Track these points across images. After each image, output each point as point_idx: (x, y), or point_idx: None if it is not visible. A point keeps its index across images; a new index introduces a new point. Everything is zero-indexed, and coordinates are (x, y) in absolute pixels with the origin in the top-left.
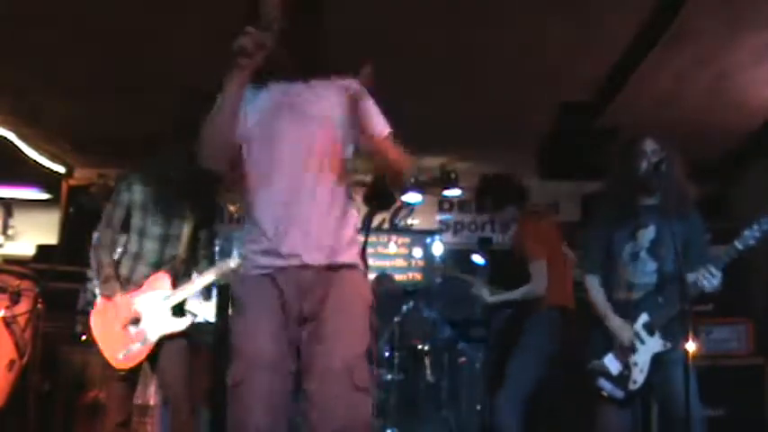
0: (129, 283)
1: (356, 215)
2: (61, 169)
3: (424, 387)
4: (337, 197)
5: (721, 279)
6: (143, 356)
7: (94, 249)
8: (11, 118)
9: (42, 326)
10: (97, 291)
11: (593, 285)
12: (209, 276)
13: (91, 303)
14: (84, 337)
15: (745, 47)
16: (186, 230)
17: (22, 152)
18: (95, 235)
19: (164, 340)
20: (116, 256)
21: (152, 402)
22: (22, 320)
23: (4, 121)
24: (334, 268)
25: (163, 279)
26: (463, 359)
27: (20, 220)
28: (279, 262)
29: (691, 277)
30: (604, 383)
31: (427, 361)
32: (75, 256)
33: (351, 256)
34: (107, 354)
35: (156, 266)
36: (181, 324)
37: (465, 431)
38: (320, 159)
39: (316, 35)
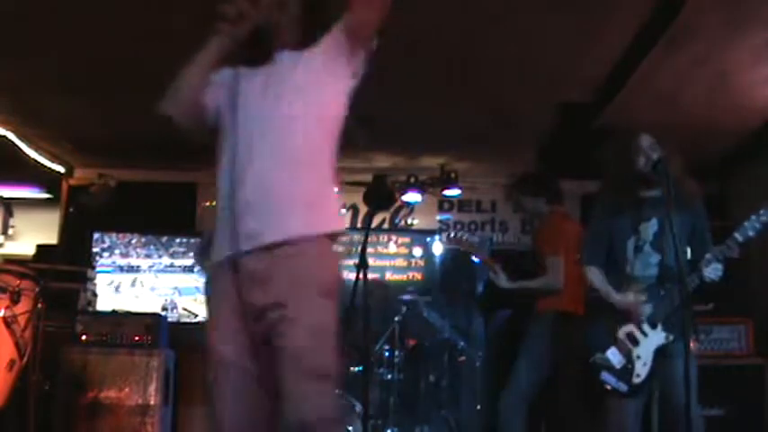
0: None
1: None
2: (61, 169)
3: (424, 387)
4: (305, 164)
5: (722, 270)
6: None
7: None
8: (11, 118)
9: (42, 326)
10: (97, 290)
11: (594, 273)
12: None
13: (91, 303)
14: (84, 337)
15: (745, 47)
16: None
17: (23, 152)
18: None
19: None
20: None
21: (152, 402)
22: (22, 320)
23: (4, 121)
24: (284, 245)
25: None
26: (463, 359)
27: (20, 220)
28: (233, 244)
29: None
30: (608, 377)
31: (427, 361)
32: (75, 256)
33: (307, 224)
34: None
35: None
36: None
37: (465, 431)
38: (287, 124)
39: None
